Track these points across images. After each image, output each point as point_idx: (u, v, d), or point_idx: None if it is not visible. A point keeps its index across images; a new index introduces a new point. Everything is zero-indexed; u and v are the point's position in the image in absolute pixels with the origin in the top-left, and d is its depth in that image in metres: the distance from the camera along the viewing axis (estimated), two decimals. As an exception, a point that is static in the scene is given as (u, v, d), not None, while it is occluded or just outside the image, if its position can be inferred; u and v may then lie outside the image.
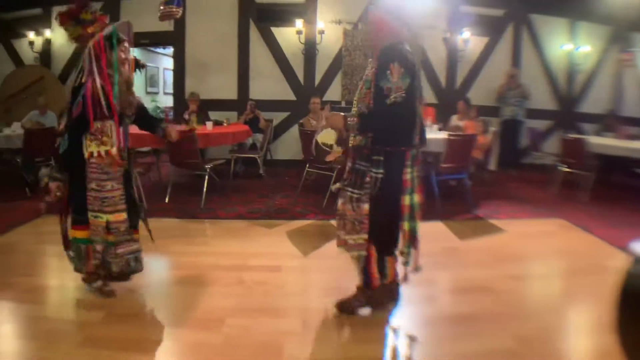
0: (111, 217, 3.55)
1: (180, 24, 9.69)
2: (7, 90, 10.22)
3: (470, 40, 9.88)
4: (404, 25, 3.22)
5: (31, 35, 10.14)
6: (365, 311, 3.50)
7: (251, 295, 3.87)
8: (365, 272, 3.40)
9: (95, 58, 3.42)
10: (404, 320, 3.52)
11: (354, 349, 3.10)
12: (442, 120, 8.46)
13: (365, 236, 3.29)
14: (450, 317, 3.53)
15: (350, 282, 3.56)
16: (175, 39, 10.00)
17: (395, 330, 3.37)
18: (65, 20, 3.57)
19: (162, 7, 7.30)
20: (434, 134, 7.28)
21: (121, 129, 3.61)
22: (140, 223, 3.90)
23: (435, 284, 4.22)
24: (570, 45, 10.34)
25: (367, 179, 3.22)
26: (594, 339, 3.28)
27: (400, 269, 3.42)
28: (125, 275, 3.78)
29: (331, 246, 4.66)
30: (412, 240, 3.31)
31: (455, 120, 8.09)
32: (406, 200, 3.22)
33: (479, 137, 6.82)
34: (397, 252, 3.37)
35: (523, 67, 10.14)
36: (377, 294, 3.47)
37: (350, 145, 3.36)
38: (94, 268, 3.69)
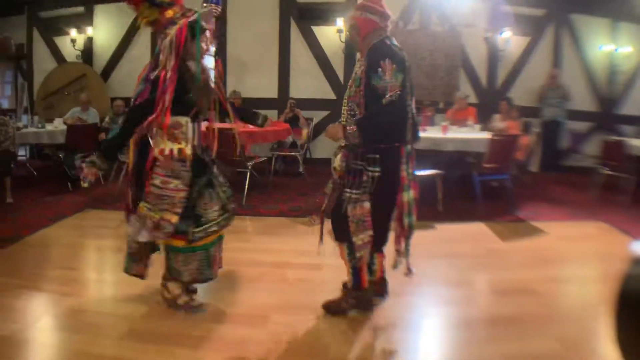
0: (166, 215, 3.22)
1: (221, 23, 9.75)
2: (50, 87, 10.42)
3: (510, 40, 9.74)
4: (386, 19, 3.22)
5: (73, 33, 10.30)
6: (353, 312, 3.49)
7: (294, 292, 3.90)
8: (356, 272, 3.38)
9: (176, 47, 3.12)
10: (446, 321, 3.52)
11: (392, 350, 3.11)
12: (483, 121, 8.34)
13: (371, 232, 3.23)
14: (491, 318, 3.51)
15: (391, 281, 3.55)
16: (216, 38, 10.01)
17: (436, 333, 3.40)
18: (139, 1, 3.20)
19: (204, 5, 7.36)
20: (476, 134, 7.21)
21: (196, 126, 3.37)
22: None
23: (477, 285, 4.23)
24: (611, 46, 10.12)
25: (364, 177, 3.17)
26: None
27: (400, 262, 3.40)
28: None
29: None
30: (410, 234, 3.33)
31: (497, 120, 7.98)
32: (404, 196, 3.22)
33: (520, 138, 6.72)
34: (394, 249, 3.38)
35: (563, 67, 9.97)
36: (365, 294, 3.46)
37: (343, 144, 3.31)
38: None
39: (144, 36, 10.25)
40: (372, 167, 3.15)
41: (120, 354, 2.95)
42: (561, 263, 4.77)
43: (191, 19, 3.19)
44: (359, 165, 3.19)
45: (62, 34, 10.57)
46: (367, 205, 3.19)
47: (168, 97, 3.11)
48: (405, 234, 3.30)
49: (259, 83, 10.00)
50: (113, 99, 9.46)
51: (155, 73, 3.24)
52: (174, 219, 3.22)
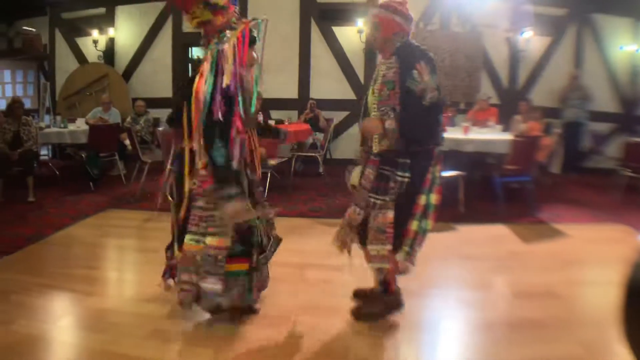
0: (211, 241, 2.97)
1: (241, 23, 9.77)
2: (72, 87, 10.55)
3: (532, 40, 9.66)
4: (410, 22, 3.14)
5: (95, 33, 10.40)
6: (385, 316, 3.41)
7: (316, 294, 3.89)
8: (385, 281, 3.24)
9: (239, 53, 2.91)
10: (466, 324, 3.50)
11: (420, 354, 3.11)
12: (504, 121, 8.27)
13: (389, 247, 3.09)
14: (512, 322, 3.46)
15: (409, 283, 3.48)
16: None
17: (456, 335, 3.36)
18: (193, 2, 2.99)
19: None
20: (497, 135, 7.16)
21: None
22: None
23: (498, 288, 4.19)
24: (634, 46, 9.98)
25: (392, 184, 3.06)
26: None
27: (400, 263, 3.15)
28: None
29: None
30: (418, 239, 3.12)
31: (518, 121, 7.90)
32: (422, 199, 3.08)
33: (541, 139, 6.65)
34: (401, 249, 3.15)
35: (585, 67, 9.86)
36: (394, 298, 3.35)
37: (374, 150, 3.14)
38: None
39: (165, 37, 10.36)
40: (402, 172, 3.04)
41: (143, 354, 2.96)
42: (583, 266, 4.71)
43: (251, 24, 3.07)
44: (387, 171, 3.08)
45: (84, 34, 10.69)
46: (390, 214, 3.07)
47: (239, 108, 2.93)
48: (411, 236, 3.10)
49: (279, 84, 9.99)
50: (134, 100, 9.57)
51: (224, 81, 2.82)
52: (227, 242, 2.99)
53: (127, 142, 7.98)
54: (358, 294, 3.61)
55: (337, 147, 10.02)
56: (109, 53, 10.67)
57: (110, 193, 7.26)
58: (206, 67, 2.87)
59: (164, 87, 10.45)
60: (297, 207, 6.62)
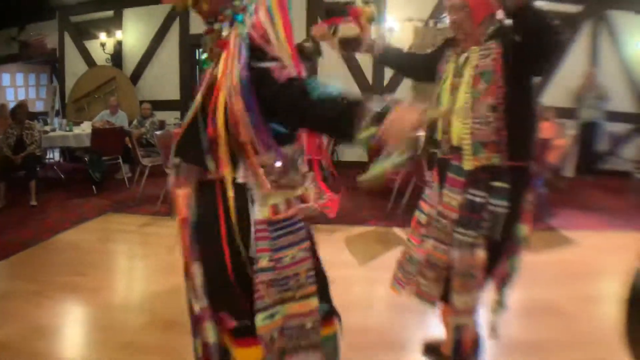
0: (293, 309, 1.93)
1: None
2: (80, 90, 10.57)
3: (545, 38, 9.41)
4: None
5: (103, 36, 10.39)
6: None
7: None
8: (459, 342, 2.49)
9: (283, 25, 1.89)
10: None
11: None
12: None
13: (479, 296, 2.40)
14: (510, 343, 3.06)
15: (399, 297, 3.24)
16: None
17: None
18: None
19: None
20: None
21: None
22: None
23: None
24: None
25: (485, 214, 2.31)
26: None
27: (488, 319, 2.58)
28: None
29: (387, 257, 4.46)
30: (509, 282, 2.55)
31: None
32: (517, 232, 2.43)
33: (555, 140, 6.44)
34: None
35: (601, 66, 9.58)
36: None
37: (468, 168, 2.35)
38: None
39: (173, 39, 10.34)
40: (498, 200, 2.29)
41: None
42: (594, 279, 4.45)
43: None
44: (478, 197, 2.32)
45: (93, 37, 10.70)
46: (481, 254, 2.32)
47: None
48: (503, 278, 2.50)
49: (286, 84, 9.88)
50: (142, 102, 9.56)
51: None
52: (315, 302, 1.99)
53: (134, 145, 7.96)
54: (430, 349, 2.95)
55: (345, 149, 9.85)
56: (117, 56, 10.65)
57: (112, 196, 7.22)
58: (232, 52, 1.72)
59: (172, 90, 10.45)
60: (298, 211, 6.44)
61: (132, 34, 10.63)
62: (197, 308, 1.93)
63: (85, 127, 8.44)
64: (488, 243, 2.32)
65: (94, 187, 7.48)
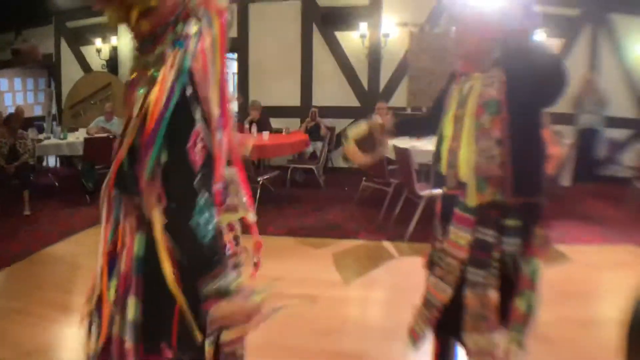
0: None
1: (243, 30, 9.69)
2: (76, 95, 10.57)
3: (544, 42, 9.30)
4: (504, 21, 2.18)
5: (98, 42, 10.39)
6: None
7: (279, 331, 3.23)
8: None
9: (221, 47, 1.71)
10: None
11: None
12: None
13: (495, 339, 2.22)
14: None
15: (387, 321, 3.13)
16: (238, 45, 10.00)
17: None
18: None
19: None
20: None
21: None
22: None
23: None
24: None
25: (495, 253, 2.17)
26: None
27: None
28: None
29: (376, 274, 4.37)
30: (528, 321, 2.32)
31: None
32: (526, 268, 2.26)
33: (550, 149, 6.33)
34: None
35: (601, 71, 9.49)
36: None
37: (469, 202, 2.22)
38: None
39: (168, 45, 10.27)
40: (510, 239, 2.17)
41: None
42: (586, 300, 4.23)
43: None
44: (488, 236, 2.18)
45: (88, 43, 10.72)
46: (492, 295, 2.18)
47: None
48: (519, 318, 2.28)
49: (281, 90, 9.90)
50: (137, 109, 9.51)
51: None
52: None
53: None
54: None
55: (340, 155, 9.77)
56: (113, 61, 10.65)
57: (105, 206, 7.16)
58: (168, 75, 1.45)
59: (166, 96, 10.37)
60: (287, 223, 6.34)
61: (128, 39, 10.54)
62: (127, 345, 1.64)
63: (80, 135, 8.39)
64: (499, 283, 2.19)
65: (87, 196, 7.44)
